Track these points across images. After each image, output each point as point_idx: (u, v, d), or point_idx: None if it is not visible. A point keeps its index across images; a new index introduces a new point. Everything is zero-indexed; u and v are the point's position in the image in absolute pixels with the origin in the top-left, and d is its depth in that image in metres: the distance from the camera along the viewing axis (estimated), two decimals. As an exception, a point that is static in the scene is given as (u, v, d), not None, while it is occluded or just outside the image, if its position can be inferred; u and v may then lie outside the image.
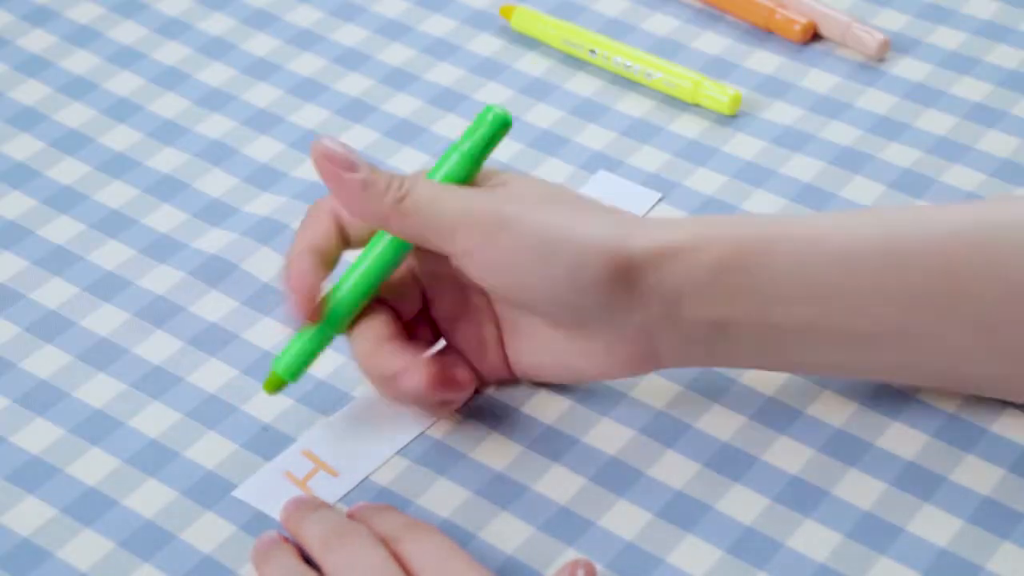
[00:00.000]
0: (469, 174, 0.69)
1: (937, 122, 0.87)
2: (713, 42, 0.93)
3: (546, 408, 0.73)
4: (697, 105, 0.88)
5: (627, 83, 0.90)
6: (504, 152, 0.86)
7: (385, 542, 0.65)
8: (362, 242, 0.70)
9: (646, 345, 0.69)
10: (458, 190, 0.68)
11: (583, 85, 0.90)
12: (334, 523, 0.66)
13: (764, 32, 0.93)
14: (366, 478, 0.71)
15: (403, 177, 0.68)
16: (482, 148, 0.69)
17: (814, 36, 0.93)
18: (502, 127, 0.69)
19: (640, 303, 0.67)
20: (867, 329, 0.68)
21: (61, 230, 0.82)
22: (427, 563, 0.64)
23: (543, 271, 0.67)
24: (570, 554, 0.68)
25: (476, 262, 0.67)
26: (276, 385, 0.70)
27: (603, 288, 0.67)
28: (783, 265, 0.67)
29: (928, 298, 0.67)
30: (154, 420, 0.73)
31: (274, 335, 0.77)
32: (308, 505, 0.68)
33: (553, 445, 0.72)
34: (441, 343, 0.73)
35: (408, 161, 0.86)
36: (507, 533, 0.68)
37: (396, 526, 0.66)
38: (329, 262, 0.70)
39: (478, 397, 0.74)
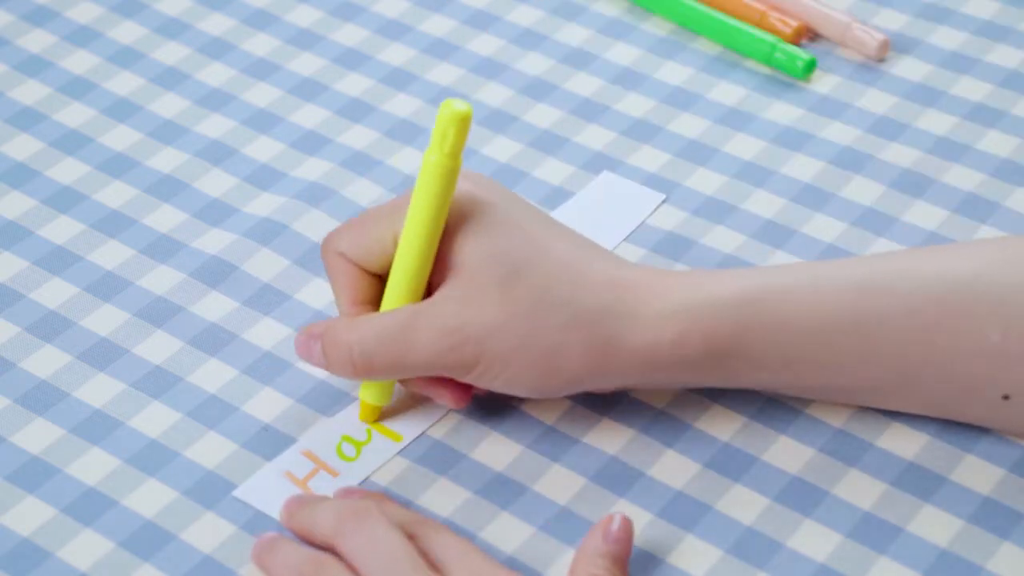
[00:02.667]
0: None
1: (937, 122, 0.87)
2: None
3: (546, 408, 0.73)
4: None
5: (627, 83, 0.90)
6: (504, 152, 0.86)
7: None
8: (382, 264, 0.71)
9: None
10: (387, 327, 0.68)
11: (583, 85, 0.90)
12: (348, 506, 0.66)
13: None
14: (366, 478, 0.71)
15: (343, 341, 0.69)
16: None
17: (814, 36, 0.93)
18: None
19: (617, 376, 0.69)
20: (841, 385, 0.70)
21: (61, 230, 0.82)
22: (448, 557, 0.64)
23: (527, 380, 0.69)
24: (570, 554, 0.68)
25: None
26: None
27: (584, 379, 0.69)
28: (755, 350, 0.69)
29: (902, 359, 0.68)
30: (154, 420, 0.73)
31: (274, 335, 0.77)
32: (313, 499, 0.68)
33: (553, 445, 0.72)
34: None
35: (408, 161, 0.86)
36: (507, 533, 0.68)
37: (407, 520, 0.66)
38: (376, 297, 0.71)
39: (479, 396, 0.74)
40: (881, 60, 0.91)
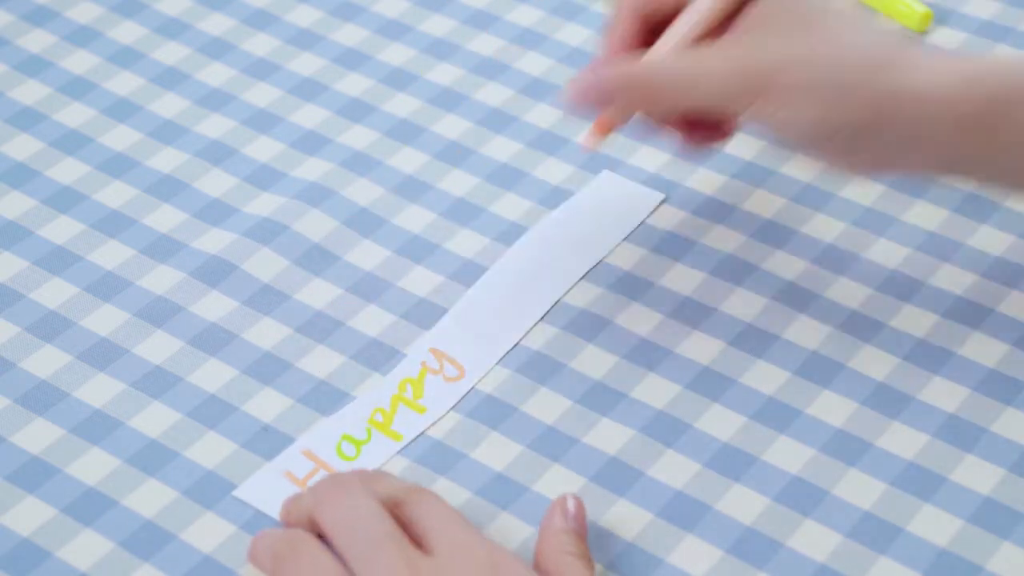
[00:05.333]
0: None
1: (937, 122, 0.87)
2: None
3: (546, 408, 0.73)
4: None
5: (627, 83, 0.90)
6: (504, 152, 0.86)
7: (387, 506, 0.65)
8: (664, 12, 0.74)
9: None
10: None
11: (583, 85, 0.90)
12: (327, 478, 0.67)
13: (764, 32, 0.93)
14: (366, 478, 0.71)
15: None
16: None
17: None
18: None
19: (896, 128, 0.70)
20: None
21: (61, 230, 0.82)
22: (430, 525, 0.64)
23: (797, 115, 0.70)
24: (570, 554, 0.68)
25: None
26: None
27: (859, 126, 0.70)
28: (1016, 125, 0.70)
29: None
30: (154, 420, 0.73)
31: (274, 335, 0.77)
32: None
33: (553, 445, 0.72)
34: None
35: (408, 161, 0.86)
36: (507, 533, 0.68)
37: (397, 489, 0.66)
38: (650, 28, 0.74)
39: (479, 395, 0.74)
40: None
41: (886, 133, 0.70)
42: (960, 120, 0.69)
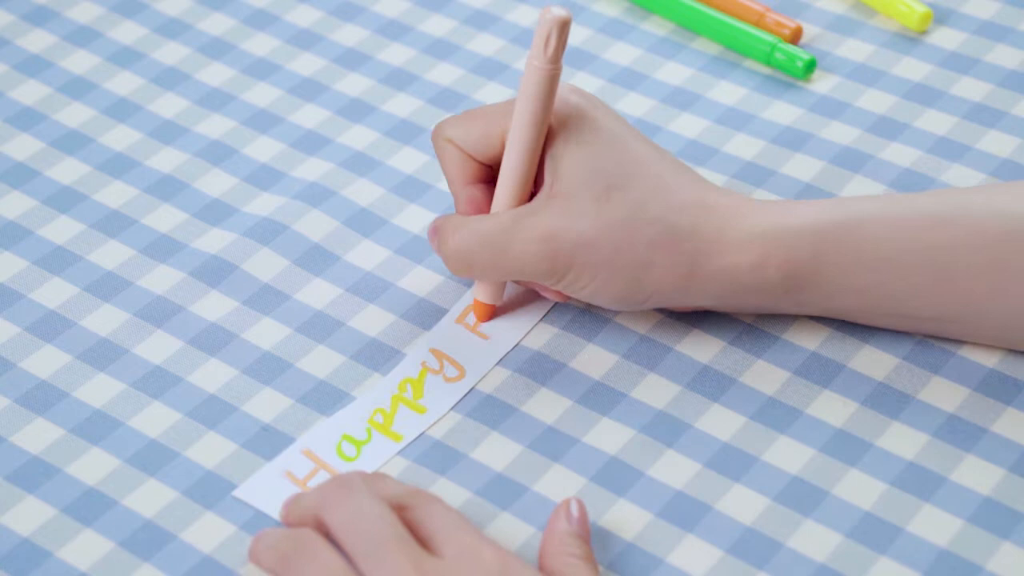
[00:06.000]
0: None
1: (937, 121, 0.87)
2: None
3: (546, 408, 0.73)
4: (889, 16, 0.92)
5: (625, 83, 0.90)
6: (504, 152, 0.86)
7: (392, 508, 0.65)
8: (488, 156, 0.74)
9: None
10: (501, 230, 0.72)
11: (583, 85, 0.90)
12: (332, 480, 0.67)
13: (764, 32, 0.93)
14: (366, 478, 0.71)
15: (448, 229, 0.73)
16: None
17: (813, 36, 0.93)
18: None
19: (697, 296, 0.73)
20: (910, 313, 0.73)
21: (61, 230, 0.82)
22: (437, 527, 0.64)
23: (613, 296, 0.73)
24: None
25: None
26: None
27: (666, 294, 0.72)
28: (829, 278, 0.72)
29: (971, 289, 0.71)
30: (154, 420, 0.73)
31: (274, 335, 0.77)
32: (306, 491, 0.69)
33: (553, 445, 0.72)
34: None
35: (408, 161, 0.86)
36: (507, 533, 0.68)
37: (400, 492, 0.66)
38: (484, 177, 0.75)
39: (479, 395, 0.74)
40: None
41: (694, 296, 0.73)
42: (761, 287, 0.72)
